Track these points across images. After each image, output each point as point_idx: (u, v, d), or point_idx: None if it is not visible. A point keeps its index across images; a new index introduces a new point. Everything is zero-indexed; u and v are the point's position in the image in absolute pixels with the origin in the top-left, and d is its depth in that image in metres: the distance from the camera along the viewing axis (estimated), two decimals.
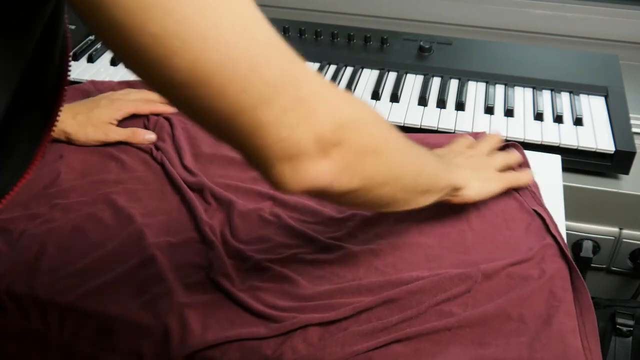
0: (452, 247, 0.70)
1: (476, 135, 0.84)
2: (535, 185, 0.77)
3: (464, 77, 1.01)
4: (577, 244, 0.95)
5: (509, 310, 0.62)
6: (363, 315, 0.62)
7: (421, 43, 1.07)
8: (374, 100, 0.97)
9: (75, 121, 0.83)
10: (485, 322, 0.60)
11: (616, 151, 0.86)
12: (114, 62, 1.06)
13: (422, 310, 0.62)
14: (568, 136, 0.89)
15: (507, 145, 0.81)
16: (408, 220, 0.73)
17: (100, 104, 0.85)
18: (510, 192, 0.75)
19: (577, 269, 0.66)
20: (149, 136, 0.85)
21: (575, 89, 0.98)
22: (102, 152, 0.84)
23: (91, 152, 0.84)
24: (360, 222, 0.73)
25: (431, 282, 0.64)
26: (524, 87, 1.00)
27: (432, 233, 0.71)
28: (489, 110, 0.94)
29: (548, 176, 0.80)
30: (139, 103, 0.88)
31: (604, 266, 0.98)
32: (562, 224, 0.73)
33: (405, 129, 0.92)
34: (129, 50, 0.34)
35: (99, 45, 1.10)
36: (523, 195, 0.75)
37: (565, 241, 0.71)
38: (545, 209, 0.73)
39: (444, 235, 0.71)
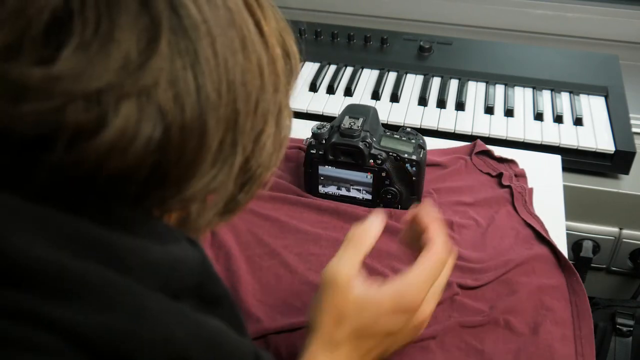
0: None
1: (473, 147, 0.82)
2: (529, 191, 0.76)
3: (464, 77, 1.01)
4: (577, 244, 0.95)
5: (497, 317, 0.61)
6: None
7: (421, 43, 1.07)
8: (374, 100, 0.97)
9: None
10: (472, 329, 0.60)
11: (616, 151, 0.86)
12: None
13: None
14: (568, 136, 0.89)
15: (507, 160, 0.80)
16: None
17: None
18: (500, 200, 0.75)
19: (577, 273, 0.65)
20: None
21: (575, 89, 0.98)
22: None
23: None
24: (358, 223, 0.73)
25: None
26: (524, 87, 1.00)
27: None
28: (489, 110, 0.94)
29: (548, 176, 0.80)
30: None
31: (604, 266, 0.98)
32: (562, 224, 0.73)
33: None
34: None
35: None
36: (515, 203, 0.75)
37: (565, 242, 0.71)
38: (537, 217, 0.73)
39: None
